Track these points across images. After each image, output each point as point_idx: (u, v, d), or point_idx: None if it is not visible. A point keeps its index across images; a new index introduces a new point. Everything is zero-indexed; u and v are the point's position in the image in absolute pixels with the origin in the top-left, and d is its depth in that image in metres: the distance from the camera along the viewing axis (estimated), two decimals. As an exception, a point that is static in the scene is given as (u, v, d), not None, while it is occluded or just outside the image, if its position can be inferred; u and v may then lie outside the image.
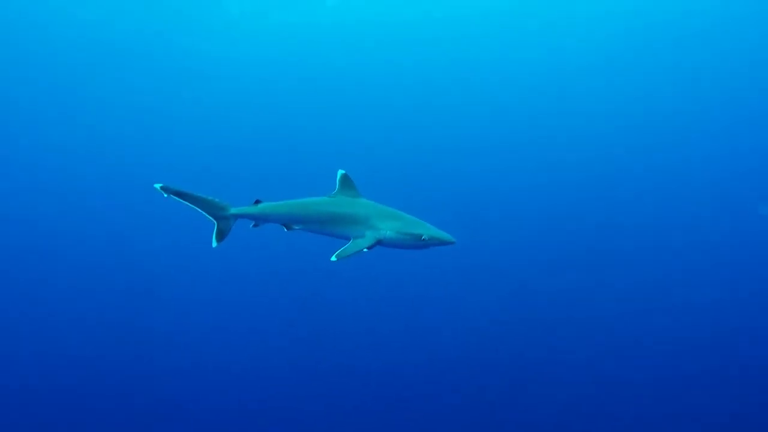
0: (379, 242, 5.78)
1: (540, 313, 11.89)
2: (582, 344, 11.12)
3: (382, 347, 11.17)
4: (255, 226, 6.34)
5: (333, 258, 5.51)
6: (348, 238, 5.89)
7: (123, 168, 16.85)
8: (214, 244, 6.12)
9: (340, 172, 6.28)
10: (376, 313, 11.96)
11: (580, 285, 12.74)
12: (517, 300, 12.24)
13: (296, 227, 6.22)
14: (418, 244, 5.72)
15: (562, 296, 12.40)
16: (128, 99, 19.51)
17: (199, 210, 6.07)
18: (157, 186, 5.85)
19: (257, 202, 6.24)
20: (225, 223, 6.14)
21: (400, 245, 5.86)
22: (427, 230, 5.75)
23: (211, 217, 6.11)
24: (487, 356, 10.89)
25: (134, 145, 18.33)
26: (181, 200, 5.96)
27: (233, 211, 6.16)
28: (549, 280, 12.83)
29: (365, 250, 5.65)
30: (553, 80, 20.93)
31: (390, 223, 5.82)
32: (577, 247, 14.28)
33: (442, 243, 5.76)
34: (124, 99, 19.50)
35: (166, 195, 5.89)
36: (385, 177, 14.48)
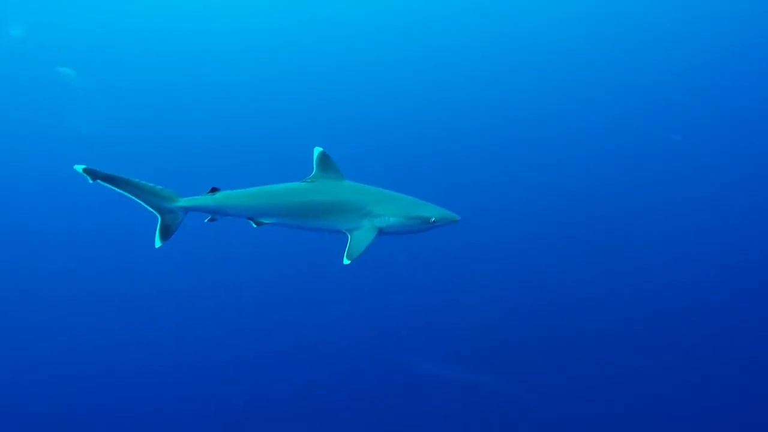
0: (380, 231, 4.87)
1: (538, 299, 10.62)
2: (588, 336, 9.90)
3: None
4: (211, 219, 5.23)
5: (346, 261, 4.63)
6: (337, 232, 4.95)
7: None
8: (158, 243, 5.01)
9: (318, 149, 5.13)
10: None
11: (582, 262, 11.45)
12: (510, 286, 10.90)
13: (266, 221, 5.05)
14: (424, 227, 4.94)
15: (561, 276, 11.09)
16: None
17: (139, 201, 4.96)
18: (79, 168, 4.71)
19: (214, 190, 5.08)
20: (172, 218, 5.04)
21: (405, 231, 4.98)
22: (432, 210, 4.94)
23: (154, 210, 5.02)
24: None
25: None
26: (113, 188, 4.86)
27: (182, 202, 5.05)
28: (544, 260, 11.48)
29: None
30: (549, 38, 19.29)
31: (389, 206, 4.90)
32: (579, 218, 12.79)
33: (450, 222, 4.96)
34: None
35: (91, 180, 4.77)
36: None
